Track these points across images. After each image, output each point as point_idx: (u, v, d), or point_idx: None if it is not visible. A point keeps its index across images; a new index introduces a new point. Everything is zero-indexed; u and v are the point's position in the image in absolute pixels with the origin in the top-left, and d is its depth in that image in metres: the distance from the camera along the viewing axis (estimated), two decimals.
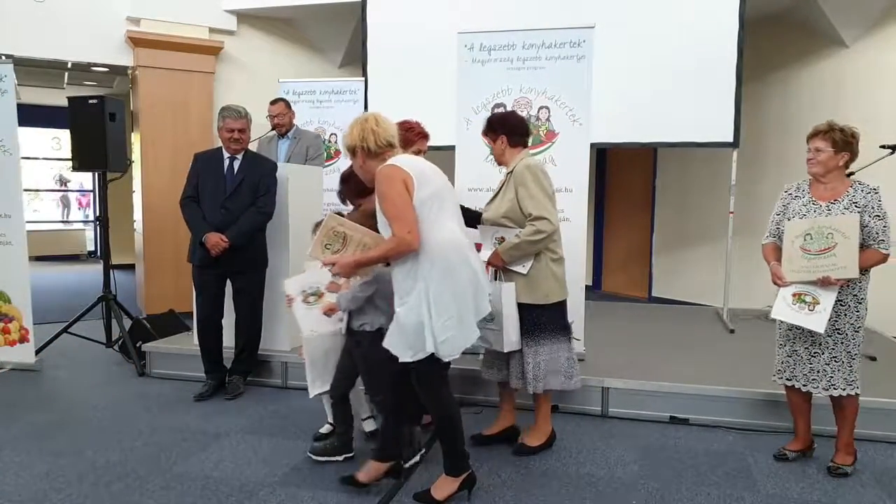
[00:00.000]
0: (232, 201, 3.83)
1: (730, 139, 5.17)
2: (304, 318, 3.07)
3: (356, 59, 6.51)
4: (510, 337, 2.91)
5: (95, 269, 7.78)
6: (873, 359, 4.11)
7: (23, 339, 4.53)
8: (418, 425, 3.04)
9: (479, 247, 3.31)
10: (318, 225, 2.85)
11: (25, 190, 5.32)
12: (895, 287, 4.23)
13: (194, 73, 6.45)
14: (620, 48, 5.24)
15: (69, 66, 6.62)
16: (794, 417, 3.06)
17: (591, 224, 7.75)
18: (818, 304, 2.76)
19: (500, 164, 3.13)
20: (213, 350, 3.99)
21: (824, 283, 2.74)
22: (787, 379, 2.95)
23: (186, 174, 3.96)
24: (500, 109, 3.97)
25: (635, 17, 5.38)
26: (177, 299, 5.59)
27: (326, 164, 5.30)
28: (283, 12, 6.74)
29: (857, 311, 2.80)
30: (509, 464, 2.99)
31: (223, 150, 3.90)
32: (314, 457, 3.01)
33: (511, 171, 3.00)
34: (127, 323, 4.83)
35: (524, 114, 4.00)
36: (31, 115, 8.79)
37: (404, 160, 2.49)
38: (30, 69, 7.02)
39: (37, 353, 4.60)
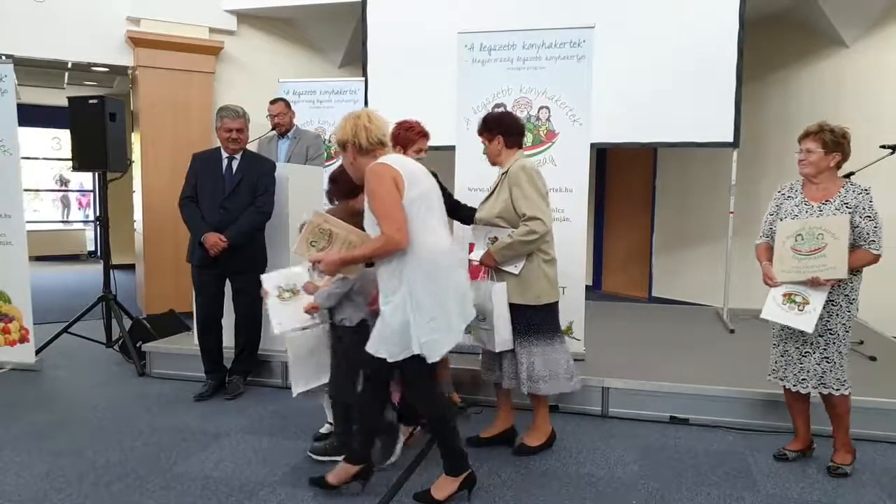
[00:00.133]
0: (231, 201, 3.83)
1: (730, 139, 5.17)
2: (276, 313, 3.02)
3: (356, 59, 6.51)
4: (501, 336, 2.91)
5: (95, 269, 7.77)
6: (873, 359, 4.10)
7: (23, 339, 4.53)
8: (417, 426, 3.04)
9: (471, 247, 3.32)
10: (304, 224, 2.84)
11: (25, 190, 5.31)
12: (894, 287, 4.23)
13: (194, 73, 6.44)
14: (620, 48, 5.24)
15: (69, 66, 6.61)
16: (792, 417, 3.07)
17: (591, 224, 7.74)
18: (808, 304, 2.77)
19: (493, 163, 3.11)
20: (213, 350, 4.00)
21: (814, 283, 2.74)
22: (780, 379, 2.96)
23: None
24: (500, 109, 3.97)
25: (635, 17, 5.38)
26: (177, 299, 5.59)
27: (327, 164, 5.29)
28: (283, 12, 6.74)
29: (849, 311, 2.81)
30: (509, 464, 2.99)
31: (221, 150, 3.90)
32: (314, 457, 3.01)
33: (506, 172, 2.98)
34: (127, 323, 4.83)
35: (524, 114, 4.01)
36: (31, 115, 8.78)
37: (395, 159, 2.48)
38: (30, 69, 7.02)
39: (37, 353, 4.60)
